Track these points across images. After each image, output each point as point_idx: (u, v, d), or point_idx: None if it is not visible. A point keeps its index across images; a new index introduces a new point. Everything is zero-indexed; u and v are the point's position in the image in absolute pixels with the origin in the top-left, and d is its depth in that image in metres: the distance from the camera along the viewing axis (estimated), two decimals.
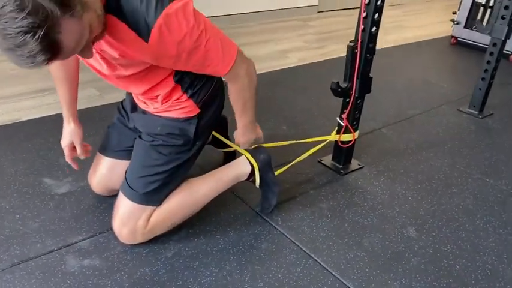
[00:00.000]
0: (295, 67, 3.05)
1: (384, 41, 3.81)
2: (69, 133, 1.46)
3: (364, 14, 1.58)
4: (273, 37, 3.70)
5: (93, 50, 1.05)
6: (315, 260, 1.40)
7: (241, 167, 1.49)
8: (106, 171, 1.51)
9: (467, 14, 3.62)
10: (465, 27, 3.69)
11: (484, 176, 1.89)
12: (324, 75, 2.88)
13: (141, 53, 1.09)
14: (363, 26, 1.63)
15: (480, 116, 2.47)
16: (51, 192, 1.61)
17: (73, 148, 1.49)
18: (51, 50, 0.83)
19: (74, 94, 1.45)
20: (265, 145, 1.72)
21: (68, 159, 1.50)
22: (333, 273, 1.35)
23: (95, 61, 1.20)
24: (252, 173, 1.49)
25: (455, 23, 3.73)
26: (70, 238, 1.40)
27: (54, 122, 2.05)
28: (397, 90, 2.77)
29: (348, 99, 1.75)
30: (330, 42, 3.74)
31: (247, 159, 1.49)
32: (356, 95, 1.72)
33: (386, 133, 2.23)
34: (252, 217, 1.56)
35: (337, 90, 1.68)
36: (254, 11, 4.07)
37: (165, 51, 1.08)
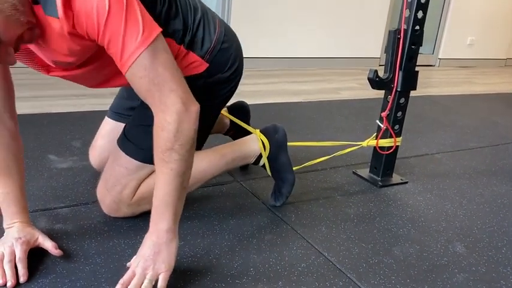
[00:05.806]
0: (345, 100, 2.85)
1: (451, 91, 3.53)
2: (27, 237, 0.99)
3: None
4: (328, 78, 3.56)
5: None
6: (327, 258, 1.11)
7: (250, 144, 1.29)
8: (106, 142, 1.37)
9: None
10: None
11: None
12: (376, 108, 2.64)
13: (68, 40, 0.88)
14: (407, 10, 1.44)
15: None
16: (51, 166, 1.49)
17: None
18: None
19: (23, 173, 1.05)
20: (289, 144, 1.53)
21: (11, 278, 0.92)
22: (348, 274, 1.06)
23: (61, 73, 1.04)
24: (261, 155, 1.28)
25: None
26: (50, 204, 1.25)
27: (79, 118, 2.00)
28: (460, 126, 2.46)
29: (388, 96, 1.52)
30: None
31: (259, 138, 1.29)
32: (398, 89, 1.49)
33: (440, 158, 1.92)
34: (260, 211, 1.32)
35: (375, 80, 1.46)
36: (315, 56, 4.01)
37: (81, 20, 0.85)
